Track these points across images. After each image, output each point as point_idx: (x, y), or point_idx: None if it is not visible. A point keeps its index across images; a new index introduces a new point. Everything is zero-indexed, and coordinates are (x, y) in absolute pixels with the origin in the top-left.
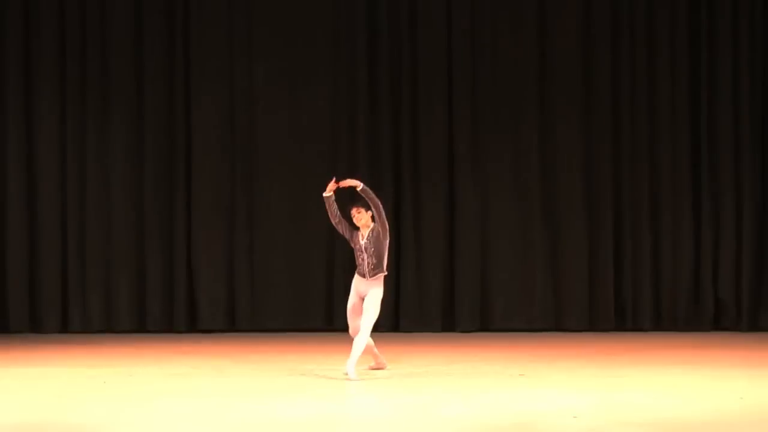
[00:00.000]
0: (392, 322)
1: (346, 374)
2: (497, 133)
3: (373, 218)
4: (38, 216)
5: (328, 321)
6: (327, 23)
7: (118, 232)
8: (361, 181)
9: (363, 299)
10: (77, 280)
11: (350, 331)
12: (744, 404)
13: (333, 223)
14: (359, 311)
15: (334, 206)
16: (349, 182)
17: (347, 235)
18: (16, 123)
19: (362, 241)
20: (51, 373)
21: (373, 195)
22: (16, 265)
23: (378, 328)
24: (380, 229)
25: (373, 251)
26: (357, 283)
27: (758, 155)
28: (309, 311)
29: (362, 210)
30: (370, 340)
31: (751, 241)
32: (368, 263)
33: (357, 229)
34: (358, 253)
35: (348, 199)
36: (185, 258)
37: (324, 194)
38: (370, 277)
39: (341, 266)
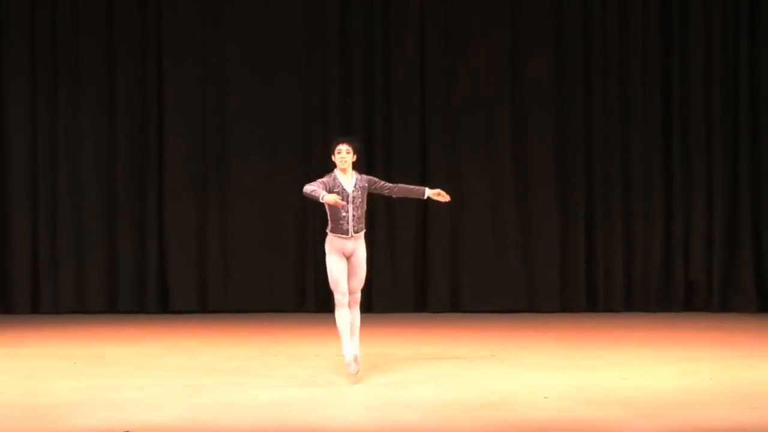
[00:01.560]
0: (365, 303)
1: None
2: (469, 114)
3: (353, 164)
4: (8, 196)
5: (299, 302)
6: (299, 6)
7: (89, 212)
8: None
9: (348, 259)
10: (48, 261)
11: (341, 297)
12: (714, 384)
13: (319, 196)
14: (346, 273)
15: (316, 193)
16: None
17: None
18: None
19: (349, 190)
20: (21, 354)
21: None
22: None
23: None
24: (369, 179)
25: (360, 202)
26: (337, 244)
27: (729, 137)
28: (281, 292)
29: (351, 150)
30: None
31: (722, 223)
32: (352, 216)
33: (332, 177)
34: (341, 206)
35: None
36: (157, 238)
37: (324, 200)
38: (354, 233)
39: (313, 247)
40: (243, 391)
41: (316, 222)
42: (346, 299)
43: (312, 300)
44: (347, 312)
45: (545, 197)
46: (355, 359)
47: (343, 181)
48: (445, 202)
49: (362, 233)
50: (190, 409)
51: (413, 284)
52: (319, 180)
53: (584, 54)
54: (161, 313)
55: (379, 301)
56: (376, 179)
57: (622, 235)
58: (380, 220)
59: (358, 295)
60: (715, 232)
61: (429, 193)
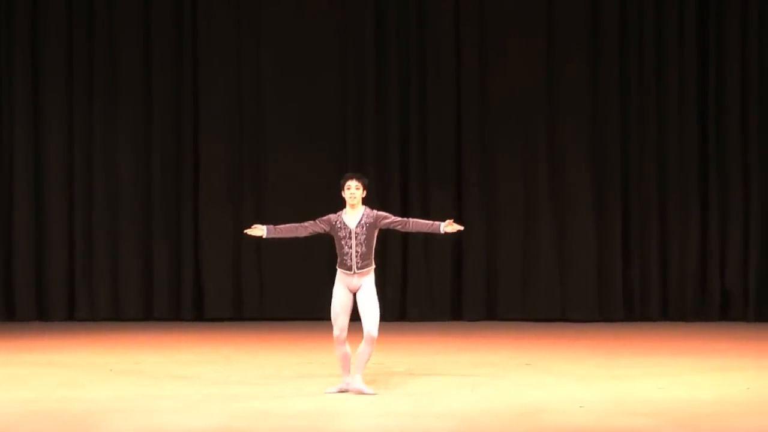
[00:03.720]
0: (400, 312)
1: (361, 390)
2: (505, 123)
3: (363, 200)
4: (45, 204)
5: None
6: (335, 14)
7: (125, 219)
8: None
9: (354, 295)
10: (84, 268)
11: (337, 332)
12: (750, 394)
13: (307, 235)
14: (349, 309)
15: (285, 232)
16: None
17: (326, 229)
18: (24, 110)
19: (352, 226)
20: (57, 361)
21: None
22: (23, 253)
23: (385, 317)
24: (377, 215)
25: (365, 239)
26: (343, 279)
27: (765, 144)
28: (315, 300)
29: (360, 186)
30: (349, 350)
31: (758, 232)
32: (356, 252)
33: (335, 212)
34: (344, 242)
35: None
36: (192, 246)
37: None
38: (358, 269)
39: None
40: (277, 399)
41: None
42: (344, 335)
43: None
44: (342, 348)
45: (580, 207)
46: (340, 390)
47: (349, 217)
48: (459, 231)
49: (368, 270)
50: (225, 417)
51: (449, 292)
52: (323, 217)
53: (620, 63)
54: (196, 320)
55: (415, 308)
56: (386, 215)
57: (658, 245)
58: None
59: (369, 331)
60: (750, 241)
61: (443, 227)
